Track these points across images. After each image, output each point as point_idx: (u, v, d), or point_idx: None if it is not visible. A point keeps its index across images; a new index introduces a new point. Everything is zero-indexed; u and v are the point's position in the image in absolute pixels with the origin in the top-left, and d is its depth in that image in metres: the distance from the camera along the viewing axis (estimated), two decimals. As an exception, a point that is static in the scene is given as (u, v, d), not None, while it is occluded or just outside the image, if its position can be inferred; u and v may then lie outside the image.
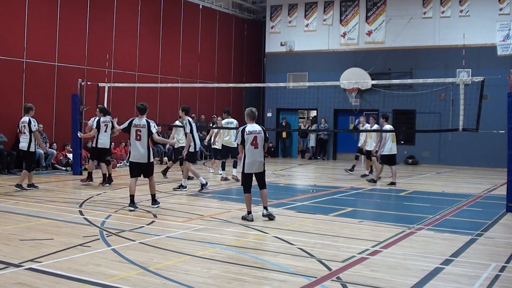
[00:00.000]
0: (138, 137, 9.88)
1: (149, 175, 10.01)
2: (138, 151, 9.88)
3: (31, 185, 12.23)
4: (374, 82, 19.34)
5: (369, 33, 24.04)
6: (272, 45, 26.24)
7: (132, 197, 9.77)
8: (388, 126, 15.25)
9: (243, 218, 9.03)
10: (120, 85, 17.26)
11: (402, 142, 23.48)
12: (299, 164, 22.15)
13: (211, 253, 6.69)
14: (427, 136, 22.61)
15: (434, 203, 11.53)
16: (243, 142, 9.01)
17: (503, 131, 11.71)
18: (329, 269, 6.09)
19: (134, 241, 7.24)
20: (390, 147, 14.80)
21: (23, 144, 12.24)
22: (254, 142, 8.95)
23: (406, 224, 8.97)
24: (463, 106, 11.59)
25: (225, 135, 15.07)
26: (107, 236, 7.49)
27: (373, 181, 15.16)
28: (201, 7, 24.06)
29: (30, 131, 12.15)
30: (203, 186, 12.37)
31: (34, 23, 16.90)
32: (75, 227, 8.15)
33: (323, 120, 24.24)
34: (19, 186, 12.01)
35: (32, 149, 12.23)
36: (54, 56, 17.62)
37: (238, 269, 6.04)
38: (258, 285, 5.52)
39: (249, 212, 9.07)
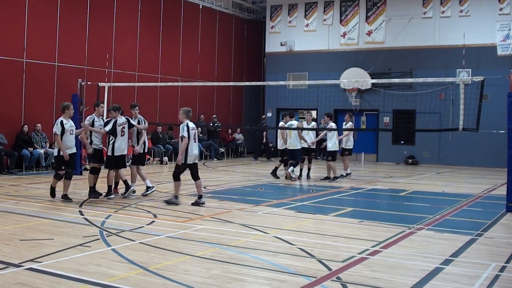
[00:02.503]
0: (123, 133, 11.17)
1: (124, 166, 11.34)
2: (122, 145, 11.16)
3: (65, 196, 10.65)
4: (374, 81, 19.33)
5: (369, 33, 24.03)
6: (272, 45, 26.23)
7: (110, 187, 11.13)
8: (333, 124, 15.77)
9: (169, 202, 10.37)
10: (120, 85, 17.25)
11: (402, 142, 23.52)
12: (299, 164, 22.12)
13: (211, 253, 6.69)
14: (427, 136, 22.60)
15: (434, 203, 11.53)
16: (189, 137, 10.34)
17: (503, 131, 11.74)
18: (329, 269, 6.09)
19: (134, 241, 7.24)
20: (335, 143, 15.51)
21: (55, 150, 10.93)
22: (194, 137, 10.51)
23: (406, 224, 8.97)
24: (463, 106, 11.59)
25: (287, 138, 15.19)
26: (107, 236, 7.49)
27: (335, 179, 15.39)
28: (201, 7, 24.06)
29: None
30: (148, 189, 11.66)
31: (34, 23, 16.89)
32: (75, 227, 8.16)
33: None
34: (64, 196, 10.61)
35: (55, 153, 10.76)
36: (54, 56, 17.62)
37: (238, 269, 6.04)
38: (258, 285, 5.52)
39: (177, 197, 10.44)
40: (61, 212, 9.36)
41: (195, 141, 10.52)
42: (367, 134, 24.38)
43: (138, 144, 11.64)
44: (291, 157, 15.32)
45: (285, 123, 15.44)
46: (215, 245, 7.11)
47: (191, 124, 10.55)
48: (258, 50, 27.59)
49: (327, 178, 15.61)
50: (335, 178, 15.42)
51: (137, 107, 11.91)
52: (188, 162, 10.38)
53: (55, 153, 10.76)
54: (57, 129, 10.39)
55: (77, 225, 8.31)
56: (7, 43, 16.31)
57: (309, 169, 16.31)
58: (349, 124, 15.96)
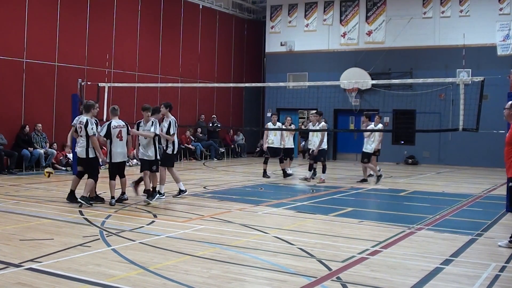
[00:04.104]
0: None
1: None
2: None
3: (93, 198, 10.36)
4: (374, 82, 19.33)
5: (369, 33, 24.03)
6: (272, 45, 26.23)
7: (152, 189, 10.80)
8: (372, 125, 15.41)
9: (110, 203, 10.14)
10: (120, 85, 17.26)
11: (402, 142, 23.52)
12: (299, 164, 22.15)
13: (211, 253, 6.69)
14: (427, 136, 22.59)
15: (434, 203, 11.53)
16: (108, 135, 10.33)
17: (503, 131, 11.72)
18: (329, 269, 6.09)
19: (134, 241, 7.24)
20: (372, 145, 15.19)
21: (79, 150, 10.21)
22: (119, 135, 10.37)
23: (406, 224, 8.97)
24: (463, 106, 11.59)
25: (314, 138, 15.15)
26: (107, 236, 7.49)
27: (379, 178, 15.21)
28: (201, 7, 24.06)
29: (88, 134, 10.13)
30: (181, 192, 11.57)
31: (34, 23, 16.89)
32: (75, 227, 8.16)
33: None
34: (84, 198, 9.99)
35: (92, 154, 10.18)
36: (54, 56, 17.62)
37: (238, 269, 6.04)
38: (258, 285, 5.52)
39: (113, 197, 10.23)
40: (61, 212, 9.36)
41: (120, 140, 10.38)
42: (367, 134, 24.36)
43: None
44: (318, 157, 15.19)
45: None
46: (215, 245, 7.11)
47: (114, 123, 10.44)
48: (258, 50, 27.59)
49: (364, 180, 15.37)
50: (378, 178, 15.16)
51: (161, 106, 11.62)
52: (112, 161, 10.43)
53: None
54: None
55: (77, 225, 8.31)
56: (7, 43, 16.32)
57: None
58: (380, 126, 15.85)
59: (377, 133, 15.35)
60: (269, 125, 16.32)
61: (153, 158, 10.79)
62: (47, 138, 16.95)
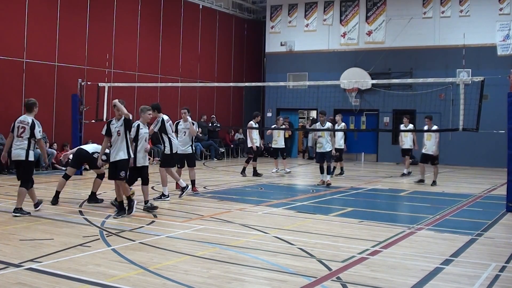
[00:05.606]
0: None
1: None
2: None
3: (37, 204, 9.57)
4: (374, 81, 19.34)
5: (369, 33, 24.04)
6: (272, 45, 26.24)
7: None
8: (435, 127, 15.75)
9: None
10: (120, 85, 17.25)
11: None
12: (299, 164, 22.16)
13: (211, 253, 6.69)
14: (427, 136, 22.58)
15: (434, 203, 11.53)
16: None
17: (503, 131, 11.71)
18: (329, 269, 6.09)
19: (134, 241, 7.24)
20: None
21: (19, 152, 9.14)
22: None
23: (406, 224, 8.97)
24: (463, 106, 11.59)
25: (326, 139, 14.74)
26: (107, 236, 7.49)
27: (422, 181, 15.28)
28: (201, 7, 24.06)
29: (32, 136, 9.29)
30: (183, 189, 11.49)
31: (34, 23, 16.90)
32: (75, 227, 8.16)
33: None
34: (17, 210, 9.01)
35: (31, 158, 9.21)
36: (54, 56, 17.63)
37: (238, 269, 6.04)
38: (258, 285, 5.52)
39: (146, 201, 9.82)
40: (61, 212, 9.36)
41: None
42: (367, 134, 24.39)
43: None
44: (322, 159, 14.55)
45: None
46: (215, 245, 7.11)
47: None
48: (258, 50, 27.59)
49: (421, 181, 15.28)
50: (434, 182, 15.04)
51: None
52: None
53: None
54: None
55: (77, 225, 8.31)
56: (7, 43, 16.32)
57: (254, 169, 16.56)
58: (435, 127, 15.76)
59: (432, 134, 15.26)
60: (252, 123, 16.37)
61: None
62: (47, 138, 16.92)
